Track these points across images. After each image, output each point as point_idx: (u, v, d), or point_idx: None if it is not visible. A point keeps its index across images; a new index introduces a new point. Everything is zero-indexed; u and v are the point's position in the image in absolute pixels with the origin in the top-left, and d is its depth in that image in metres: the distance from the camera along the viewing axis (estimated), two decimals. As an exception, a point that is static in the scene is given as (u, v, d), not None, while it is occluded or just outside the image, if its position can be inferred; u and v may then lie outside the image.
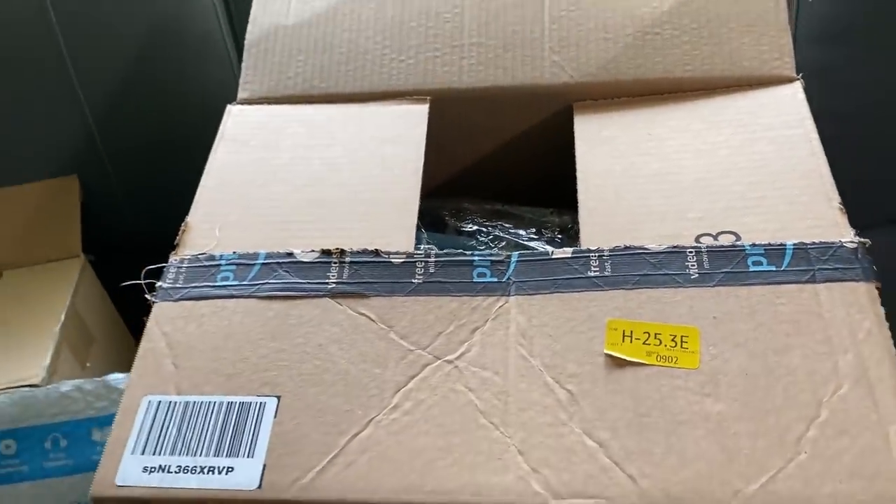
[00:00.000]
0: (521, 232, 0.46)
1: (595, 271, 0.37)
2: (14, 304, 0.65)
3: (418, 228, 0.48)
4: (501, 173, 0.52)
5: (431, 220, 0.49)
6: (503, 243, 0.45)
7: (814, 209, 0.39)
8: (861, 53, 0.63)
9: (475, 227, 0.47)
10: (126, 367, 0.55)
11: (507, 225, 0.47)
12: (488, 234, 0.46)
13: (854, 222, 0.72)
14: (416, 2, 0.50)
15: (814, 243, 0.37)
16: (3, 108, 0.68)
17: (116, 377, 0.57)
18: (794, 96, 0.44)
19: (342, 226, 0.42)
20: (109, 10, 0.66)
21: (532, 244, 0.45)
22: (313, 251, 0.40)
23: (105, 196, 0.72)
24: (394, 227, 0.41)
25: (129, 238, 0.74)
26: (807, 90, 0.65)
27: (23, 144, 0.70)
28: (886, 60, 0.63)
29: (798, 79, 0.45)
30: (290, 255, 0.40)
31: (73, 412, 0.56)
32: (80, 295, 0.66)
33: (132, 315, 0.72)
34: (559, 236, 0.46)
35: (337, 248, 0.39)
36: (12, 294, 0.66)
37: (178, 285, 0.39)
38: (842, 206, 0.39)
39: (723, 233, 0.39)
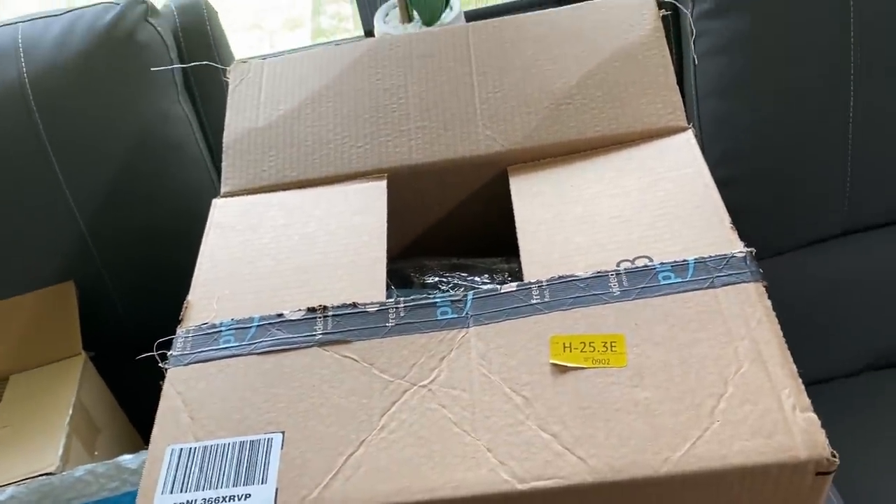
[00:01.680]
0: (476, 279, 0.54)
1: (537, 299, 0.45)
2: (24, 403, 0.70)
3: (388, 287, 0.55)
4: (455, 232, 0.60)
5: (398, 279, 0.56)
6: (461, 290, 0.53)
7: (710, 230, 0.47)
8: (751, 102, 0.73)
9: (436, 279, 0.54)
10: (130, 451, 0.60)
11: (463, 274, 0.54)
12: (448, 283, 0.53)
13: (763, 249, 0.81)
14: (366, 98, 0.59)
15: (711, 256, 0.45)
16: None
17: (126, 458, 0.62)
18: (687, 142, 0.53)
19: (323, 287, 0.49)
20: (95, 125, 0.74)
21: (486, 287, 0.52)
22: (300, 310, 0.47)
23: (100, 296, 0.79)
24: (367, 284, 0.48)
25: (125, 333, 0.80)
26: (708, 135, 0.76)
27: (19, 255, 0.77)
28: (772, 107, 0.73)
29: (689, 128, 0.54)
30: (281, 315, 0.47)
31: (87, 494, 0.61)
32: (84, 389, 0.72)
33: (131, 406, 0.78)
34: (509, 279, 0.54)
35: (320, 306, 0.47)
36: (21, 394, 0.71)
37: (186, 352, 0.46)
38: (732, 226, 0.47)
39: (638, 257, 0.47)
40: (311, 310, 0.47)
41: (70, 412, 0.69)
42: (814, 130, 0.74)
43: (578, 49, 0.58)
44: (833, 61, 0.71)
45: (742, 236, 0.81)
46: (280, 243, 0.52)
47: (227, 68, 0.63)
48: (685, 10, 0.63)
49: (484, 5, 1.00)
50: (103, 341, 0.76)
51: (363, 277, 0.49)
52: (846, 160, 0.76)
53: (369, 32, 0.97)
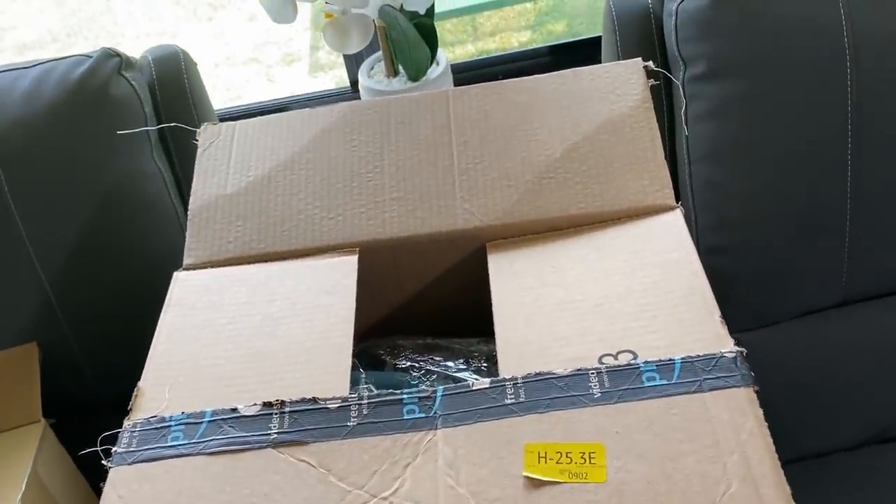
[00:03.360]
0: (451, 364, 0.50)
1: (511, 398, 0.42)
2: (-25, 475, 0.66)
3: (358, 368, 0.52)
4: (432, 307, 0.57)
5: (369, 359, 0.53)
6: (434, 376, 0.49)
7: (699, 324, 0.44)
8: (744, 168, 0.71)
9: (408, 363, 0.51)
10: (89, 527, 0.57)
11: (437, 358, 0.51)
12: (420, 368, 0.50)
13: (750, 321, 0.78)
14: (340, 166, 0.56)
15: (699, 356, 0.42)
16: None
17: (78, 540, 0.58)
18: (675, 223, 0.50)
19: (283, 375, 0.46)
20: (62, 181, 0.71)
21: (460, 375, 0.49)
22: (255, 405, 0.43)
23: (65, 358, 0.75)
24: (330, 373, 0.45)
25: (90, 398, 0.76)
26: (700, 201, 0.73)
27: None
28: (767, 174, 0.70)
29: (678, 207, 0.51)
30: (235, 410, 0.43)
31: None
32: (41, 461, 0.68)
33: (96, 474, 0.74)
34: (485, 365, 0.50)
35: (277, 400, 0.43)
36: (-27, 465, 0.67)
37: (131, 449, 0.43)
38: (722, 319, 0.44)
39: (622, 351, 0.44)
40: (268, 405, 0.43)
41: (23, 487, 0.65)
42: (810, 199, 0.72)
43: (563, 119, 0.56)
44: (829, 129, 0.68)
45: (735, 305, 0.79)
46: (240, 324, 0.49)
47: (197, 130, 0.60)
48: (672, 78, 0.61)
49: (474, 58, 0.98)
50: (67, 406, 0.73)
51: (327, 366, 0.45)
52: (844, 229, 0.73)
53: (355, 83, 0.95)
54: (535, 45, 0.93)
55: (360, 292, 0.52)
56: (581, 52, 0.92)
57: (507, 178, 0.54)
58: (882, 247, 0.74)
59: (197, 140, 0.60)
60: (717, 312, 0.44)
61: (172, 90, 0.77)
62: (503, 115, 0.57)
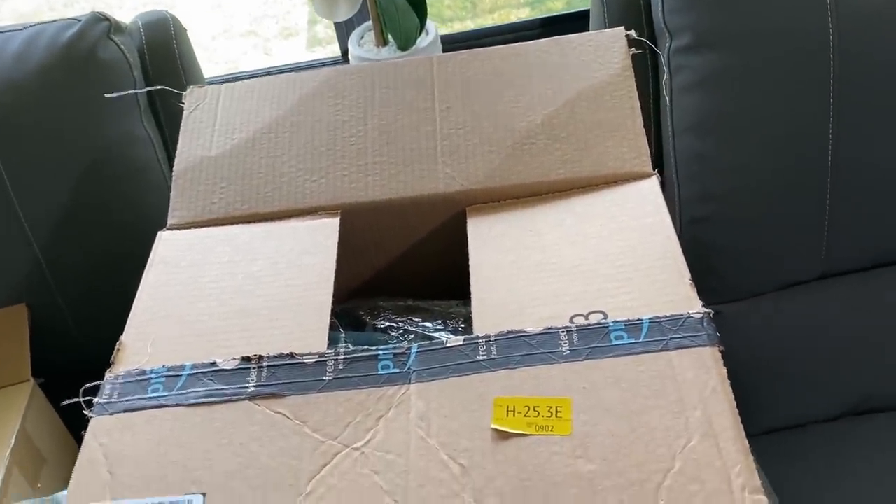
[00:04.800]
0: (429, 324, 0.51)
1: (483, 355, 0.43)
2: (-36, 431, 0.67)
3: (338, 328, 0.53)
4: (414, 270, 0.58)
5: (350, 320, 0.54)
6: (412, 336, 0.50)
7: (669, 286, 0.45)
8: (728, 140, 0.71)
9: (387, 324, 0.52)
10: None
11: (416, 319, 0.52)
12: (398, 328, 0.51)
13: (732, 292, 0.79)
14: (324, 129, 0.57)
15: (667, 316, 0.43)
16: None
17: (66, 494, 0.60)
18: (651, 189, 0.51)
19: (263, 332, 0.47)
20: (52, 144, 0.71)
21: (437, 335, 0.50)
22: (234, 359, 0.44)
23: (54, 321, 0.76)
24: (309, 330, 0.46)
25: (78, 359, 0.77)
26: (684, 173, 0.74)
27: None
28: (750, 146, 0.71)
29: (654, 174, 0.52)
30: (214, 364, 0.44)
31: (22, 531, 0.58)
32: (30, 418, 0.69)
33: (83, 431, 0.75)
34: (462, 325, 0.51)
35: (255, 355, 0.44)
36: (-37, 422, 0.68)
37: (112, 400, 0.44)
38: (692, 282, 0.45)
39: (593, 312, 0.44)
40: (246, 359, 0.44)
41: (12, 442, 0.66)
42: (792, 172, 0.72)
43: (545, 87, 0.56)
44: (812, 102, 0.69)
45: (717, 277, 0.80)
46: (223, 283, 0.50)
47: (184, 93, 0.61)
48: (658, 50, 0.61)
49: (463, 30, 0.98)
50: (56, 367, 0.74)
51: (306, 323, 0.46)
52: (824, 203, 0.73)
53: (346, 53, 0.95)
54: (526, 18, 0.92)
55: (342, 254, 0.53)
56: (572, 25, 0.92)
57: (489, 144, 0.55)
58: (861, 221, 0.75)
59: (183, 103, 0.60)
60: (687, 275, 0.45)
61: (162, 55, 0.78)
62: (486, 81, 0.57)
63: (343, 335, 0.51)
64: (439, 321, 0.52)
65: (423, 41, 0.84)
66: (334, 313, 0.53)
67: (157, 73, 0.77)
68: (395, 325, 0.52)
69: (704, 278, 0.80)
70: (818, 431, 0.83)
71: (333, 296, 0.55)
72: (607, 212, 0.51)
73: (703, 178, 0.74)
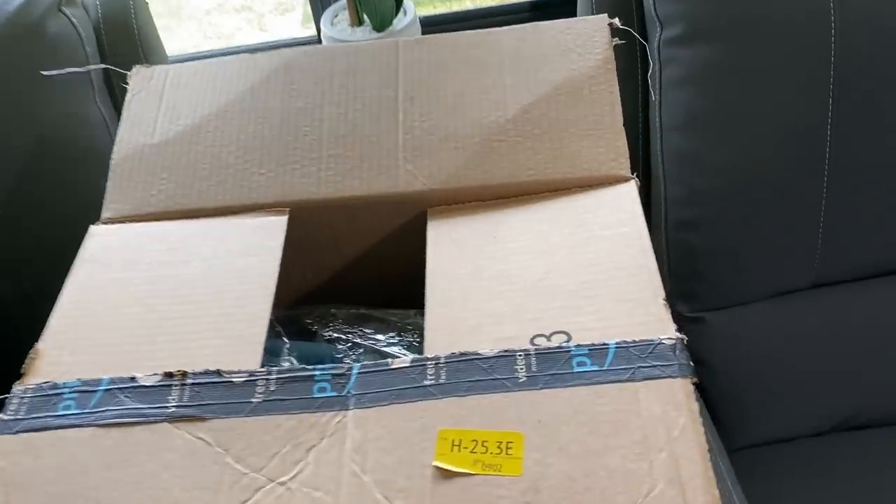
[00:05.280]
0: (381, 337, 0.47)
1: (431, 379, 0.38)
2: None
3: (282, 336, 0.49)
4: (370, 274, 0.53)
5: (298, 327, 0.50)
6: (361, 350, 0.46)
7: (641, 305, 0.41)
8: (719, 140, 0.67)
9: (337, 335, 0.47)
10: None
11: (367, 330, 0.48)
12: (347, 341, 0.47)
13: (718, 300, 0.75)
14: (276, 117, 0.52)
15: (635, 341, 0.38)
16: None
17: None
18: (628, 195, 0.47)
19: (192, 344, 0.42)
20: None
21: (389, 349, 0.46)
22: (156, 374, 0.40)
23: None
24: (243, 344, 0.42)
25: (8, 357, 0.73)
26: (671, 173, 0.69)
27: None
28: (743, 147, 0.66)
29: (633, 178, 0.48)
30: (133, 379, 0.40)
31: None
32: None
33: None
34: (417, 339, 0.47)
35: (179, 371, 0.40)
36: None
37: (18, 416, 0.39)
38: (666, 302, 0.41)
39: (555, 333, 0.40)
40: (168, 375, 0.40)
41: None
42: (786, 176, 0.68)
43: (518, 78, 0.51)
44: (810, 101, 0.64)
45: (703, 282, 0.76)
46: (154, 286, 0.45)
47: (128, 73, 0.56)
48: (643, 41, 0.56)
49: (446, 11, 0.93)
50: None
51: (239, 336, 0.42)
52: (819, 210, 0.69)
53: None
54: (515, 1, 0.87)
55: (293, 256, 0.48)
56: (559, 10, 0.87)
57: (455, 139, 0.50)
58: (858, 229, 0.71)
59: (126, 84, 0.55)
60: (661, 294, 0.41)
61: (120, 31, 0.73)
62: (455, 69, 0.52)
63: (287, 345, 0.47)
64: (393, 333, 0.47)
65: (399, 22, 0.79)
66: (280, 320, 0.49)
67: (115, 51, 0.72)
68: (344, 336, 0.47)
69: (689, 284, 0.76)
70: (805, 446, 0.79)
71: (281, 300, 0.51)
72: (579, 219, 0.46)
73: (692, 179, 0.69)
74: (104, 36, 0.72)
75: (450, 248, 0.46)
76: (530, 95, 0.51)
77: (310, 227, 0.50)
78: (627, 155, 0.48)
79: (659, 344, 0.38)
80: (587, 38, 0.52)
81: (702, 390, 0.76)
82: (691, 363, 0.38)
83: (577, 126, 0.49)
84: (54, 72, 0.64)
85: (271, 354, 0.47)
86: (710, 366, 0.76)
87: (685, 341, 0.38)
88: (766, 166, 0.68)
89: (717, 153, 0.67)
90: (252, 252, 0.47)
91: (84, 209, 0.69)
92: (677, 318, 0.76)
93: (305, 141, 0.51)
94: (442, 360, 0.39)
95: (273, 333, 0.48)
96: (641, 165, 0.73)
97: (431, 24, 0.86)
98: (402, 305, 0.52)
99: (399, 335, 0.47)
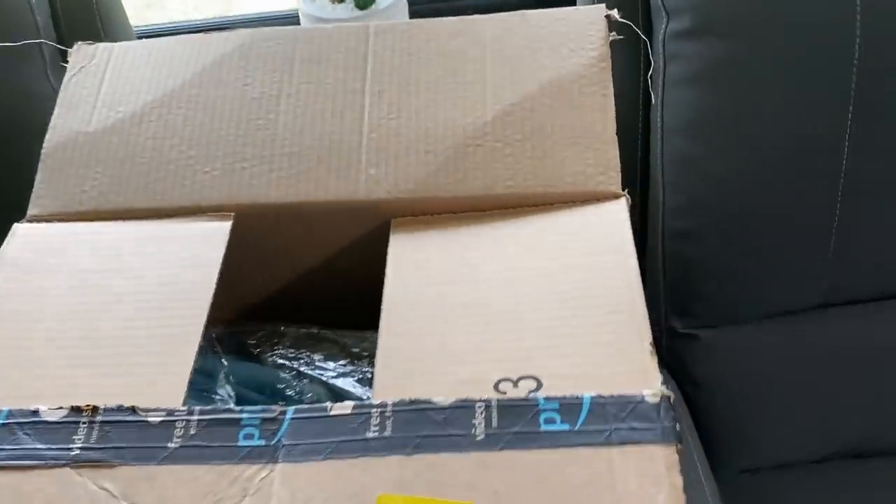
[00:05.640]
0: (329, 367, 0.42)
1: (374, 431, 0.33)
2: None
3: (219, 355, 0.44)
4: (325, 290, 0.48)
5: (240, 347, 0.44)
6: (306, 380, 0.41)
7: (624, 350, 0.35)
8: (725, 144, 0.61)
9: (281, 361, 0.42)
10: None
11: (316, 356, 0.42)
12: (292, 368, 0.42)
13: (715, 317, 0.69)
14: (227, 107, 0.46)
15: (613, 396, 0.33)
16: None
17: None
18: (616, 216, 0.41)
19: (108, 371, 0.37)
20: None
21: (338, 381, 0.41)
22: (62, 408, 0.35)
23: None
24: (165, 374, 0.36)
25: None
26: (671, 178, 0.63)
27: None
28: (751, 153, 0.61)
29: (623, 195, 0.42)
30: (36, 413, 0.35)
31: None
32: None
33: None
34: (370, 371, 0.42)
35: (89, 406, 0.35)
36: None
37: None
38: (652, 347, 0.35)
39: (524, 377, 0.35)
40: (76, 409, 0.35)
41: None
42: (797, 185, 0.62)
43: (501, 74, 0.46)
44: (828, 108, 0.58)
45: (700, 298, 0.70)
46: (76, 299, 0.40)
47: (69, 51, 0.50)
48: (644, 36, 0.50)
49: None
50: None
51: (164, 365, 0.37)
52: (832, 222, 0.63)
53: (305, 7, 0.83)
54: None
55: (241, 264, 0.43)
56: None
57: (426, 141, 0.44)
58: (873, 246, 0.65)
59: (65, 64, 0.50)
60: (648, 337, 0.35)
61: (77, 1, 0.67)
62: (431, 61, 0.47)
63: (225, 367, 0.42)
64: (344, 361, 0.42)
65: (383, 0, 0.72)
66: (221, 337, 0.44)
67: (71, 21, 0.66)
68: (289, 362, 0.42)
69: (685, 298, 0.70)
70: (803, 473, 0.75)
71: (228, 312, 0.46)
72: (559, 241, 0.40)
73: (693, 186, 0.63)
74: (58, 4, 0.66)
75: (412, 269, 0.41)
76: (513, 94, 0.45)
77: (258, 234, 0.45)
78: (619, 168, 0.43)
79: (641, 402, 0.33)
80: (581, 31, 0.46)
81: (693, 410, 0.71)
82: (678, 426, 0.32)
83: (564, 132, 0.44)
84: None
85: (207, 376, 0.42)
86: (704, 386, 0.71)
87: (671, 399, 0.33)
88: (775, 176, 0.62)
89: (722, 159, 0.61)
90: (188, 264, 0.41)
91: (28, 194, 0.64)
92: (670, 333, 0.72)
93: (258, 136, 0.45)
94: (389, 409, 0.34)
95: (211, 352, 0.43)
96: (640, 170, 0.67)
97: (420, 3, 0.80)
98: (361, 323, 0.47)
99: (352, 363, 0.42)
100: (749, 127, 0.60)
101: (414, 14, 0.76)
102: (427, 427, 0.33)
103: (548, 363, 0.35)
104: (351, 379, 0.41)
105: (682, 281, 0.67)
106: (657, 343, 0.72)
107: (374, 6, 0.71)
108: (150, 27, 0.89)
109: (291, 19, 0.82)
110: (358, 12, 0.71)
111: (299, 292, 0.48)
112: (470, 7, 0.84)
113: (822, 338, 0.69)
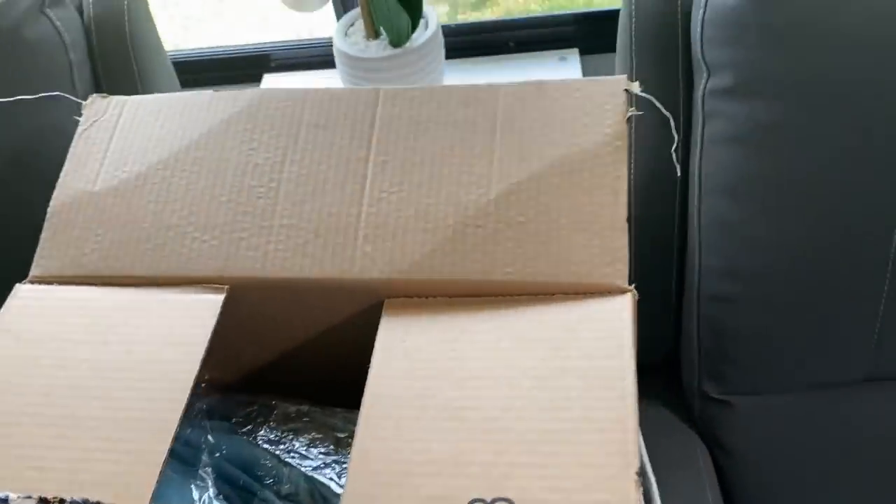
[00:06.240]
0: (314, 453, 0.40)
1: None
2: None
3: (207, 429, 0.43)
4: (320, 364, 0.46)
5: (227, 417, 0.44)
6: (287, 468, 0.40)
7: (606, 478, 0.33)
8: (767, 210, 0.57)
9: (265, 445, 0.41)
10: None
11: (299, 442, 0.41)
12: (275, 455, 0.40)
13: (751, 385, 0.65)
14: (230, 172, 0.45)
15: (588, 536, 0.31)
16: None
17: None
18: (619, 314, 0.38)
19: (84, 456, 0.36)
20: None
21: (317, 476, 0.39)
22: (30, 497, 0.35)
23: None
24: (138, 464, 0.36)
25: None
26: (708, 241, 0.60)
27: None
28: (794, 220, 0.56)
29: (630, 290, 0.39)
30: (6, 501, 0.35)
31: None
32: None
33: None
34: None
35: (56, 498, 0.34)
36: None
37: None
38: (638, 476, 0.33)
39: (498, 500, 0.33)
40: (44, 501, 0.34)
41: None
42: (843, 255, 0.57)
43: (510, 148, 0.43)
44: (878, 175, 0.53)
45: (734, 365, 0.66)
46: (63, 371, 0.40)
47: (84, 103, 0.50)
48: (667, 112, 0.46)
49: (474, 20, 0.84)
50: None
51: (139, 452, 0.36)
52: (881, 294, 0.58)
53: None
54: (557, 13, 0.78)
55: (234, 333, 0.42)
56: (596, 26, 0.77)
57: (425, 219, 0.42)
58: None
59: (79, 118, 0.50)
60: (635, 465, 0.33)
61: (111, 33, 0.67)
62: (438, 130, 0.44)
63: (211, 442, 0.41)
64: (328, 447, 0.41)
65: (420, 36, 0.71)
66: (210, 410, 0.43)
67: (106, 56, 0.67)
68: (272, 447, 0.41)
69: (719, 364, 0.66)
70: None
71: (228, 375, 0.45)
72: (555, 339, 0.38)
73: (732, 251, 0.59)
74: (95, 39, 0.66)
75: (399, 359, 0.39)
76: (520, 172, 0.42)
77: (252, 306, 0.44)
78: (626, 259, 0.40)
79: (616, 547, 0.30)
80: (599, 104, 0.43)
81: (722, 478, 0.68)
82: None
83: (571, 217, 0.41)
84: (29, 97, 0.58)
85: (192, 448, 0.41)
86: (735, 455, 0.66)
87: (651, 543, 0.30)
88: (819, 243, 0.57)
89: (764, 225, 0.57)
90: (177, 339, 0.40)
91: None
92: (703, 397, 0.68)
93: (258, 205, 0.44)
94: (351, 527, 0.32)
95: (199, 425, 0.43)
96: (678, 229, 0.64)
97: (456, 35, 0.77)
98: (356, 398, 0.45)
99: (336, 451, 0.41)
100: (792, 192, 0.56)
101: (450, 47, 0.74)
102: (388, 552, 0.31)
103: (525, 483, 0.33)
104: (331, 471, 0.40)
105: (717, 346, 0.64)
106: (688, 406, 0.69)
107: (407, 45, 0.69)
108: (182, 52, 0.89)
109: (326, 47, 0.81)
110: (392, 50, 0.69)
111: (295, 365, 0.47)
112: (511, 39, 0.82)
113: (864, 414, 0.64)
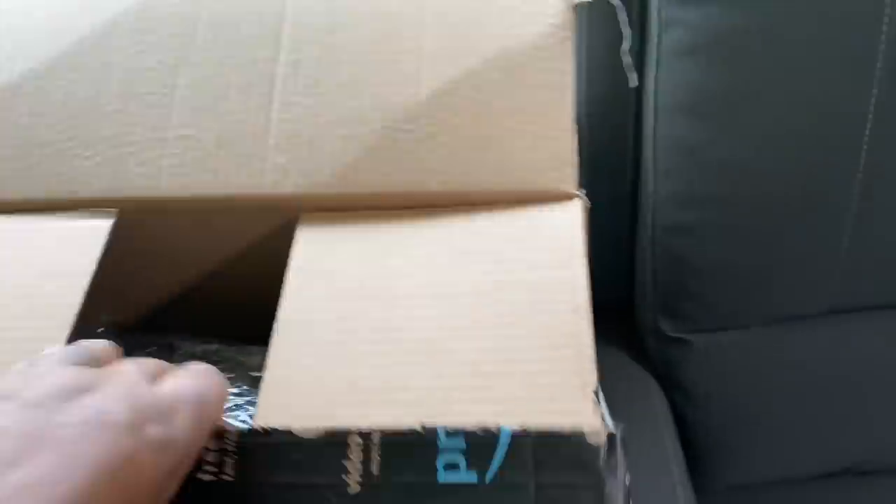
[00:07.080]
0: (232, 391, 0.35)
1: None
2: None
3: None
4: (230, 297, 0.40)
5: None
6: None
7: (560, 397, 0.28)
8: (729, 127, 0.52)
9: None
10: None
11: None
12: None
13: (710, 321, 0.62)
14: (117, 79, 0.39)
15: (539, 433, 0.26)
16: None
17: None
18: (569, 222, 0.33)
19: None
20: None
21: (230, 419, 0.33)
22: None
23: None
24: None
25: None
26: (664, 165, 0.55)
27: None
28: (758, 139, 0.52)
29: (578, 195, 0.34)
30: None
31: None
32: None
33: None
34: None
35: None
36: None
37: None
38: (595, 395, 0.28)
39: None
40: None
41: None
42: (809, 177, 0.53)
43: (441, 42, 0.37)
44: (848, 88, 0.49)
45: (694, 300, 0.62)
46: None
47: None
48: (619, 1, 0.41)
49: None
50: None
51: None
52: (846, 220, 0.55)
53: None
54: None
55: (127, 265, 0.36)
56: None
57: (346, 124, 0.37)
58: (890, 242, 0.57)
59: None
60: (592, 382, 0.28)
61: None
62: (360, 24, 0.38)
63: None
64: (238, 390, 0.35)
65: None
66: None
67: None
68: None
69: (676, 299, 0.62)
70: (797, 492, 0.68)
71: (123, 317, 0.39)
72: (499, 251, 0.33)
73: (691, 175, 0.55)
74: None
75: (318, 280, 0.33)
76: (454, 69, 0.37)
77: (147, 230, 0.37)
78: (576, 163, 0.35)
79: (579, 442, 0.25)
80: (542, -9, 0.38)
81: (678, 419, 0.64)
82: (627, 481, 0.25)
83: (513, 118, 0.36)
84: None
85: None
86: (693, 396, 0.63)
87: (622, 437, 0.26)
88: (783, 164, 0.53)
89: (725, 144, 0.53)
90: (57, 272, 0.34)
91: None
92: (658, 336, 0.64)
93: (150, 114, 0.38)
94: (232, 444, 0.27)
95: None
96: (632, 153, 0.59)
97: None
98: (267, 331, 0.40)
99: (250, 391, 0.35)
100: (757, 107, 0.51)
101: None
102: (281, 472, 0.26)
103: (469, 409, 0.28)
104: (244, 413, 0.34)
105: (675, 280, 0.60)
106: (642, 346, 0.65)
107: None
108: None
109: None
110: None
111: (201, 298, 0.41)
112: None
113: (826, 348, 0.61)
